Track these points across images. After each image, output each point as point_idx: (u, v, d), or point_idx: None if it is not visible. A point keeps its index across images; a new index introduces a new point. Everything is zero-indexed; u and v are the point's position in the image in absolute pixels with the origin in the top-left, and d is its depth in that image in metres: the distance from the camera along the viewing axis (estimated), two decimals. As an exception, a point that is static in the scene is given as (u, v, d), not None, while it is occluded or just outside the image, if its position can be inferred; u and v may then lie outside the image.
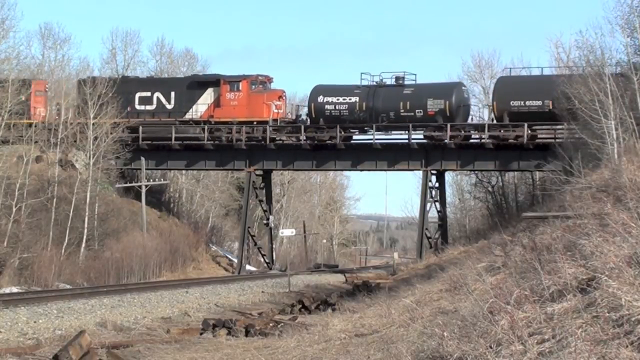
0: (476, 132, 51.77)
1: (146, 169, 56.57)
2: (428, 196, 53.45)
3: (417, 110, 50.56)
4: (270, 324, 26.15)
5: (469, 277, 18.62)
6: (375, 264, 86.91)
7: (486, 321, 11.82)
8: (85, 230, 47.58)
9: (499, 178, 60.19)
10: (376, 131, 51.97)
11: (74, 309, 27.09)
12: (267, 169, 57.23)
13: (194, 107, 54.39)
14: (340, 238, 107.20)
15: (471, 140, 52.22)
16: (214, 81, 54.53)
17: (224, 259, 62.16)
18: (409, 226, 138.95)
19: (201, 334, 24.21)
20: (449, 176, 62.98)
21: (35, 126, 49.08)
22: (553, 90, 41.73)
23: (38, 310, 26.13)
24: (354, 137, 53.44)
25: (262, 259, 60.61)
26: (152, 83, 57.81)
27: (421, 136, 51.87)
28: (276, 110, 53.36)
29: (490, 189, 61.36)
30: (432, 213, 55.47)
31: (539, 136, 49.87)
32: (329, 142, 52.20)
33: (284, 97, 55.19)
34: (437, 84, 53.06)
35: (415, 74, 53.11)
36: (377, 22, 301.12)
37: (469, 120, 52.59)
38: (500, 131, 49.81)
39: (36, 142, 48.22)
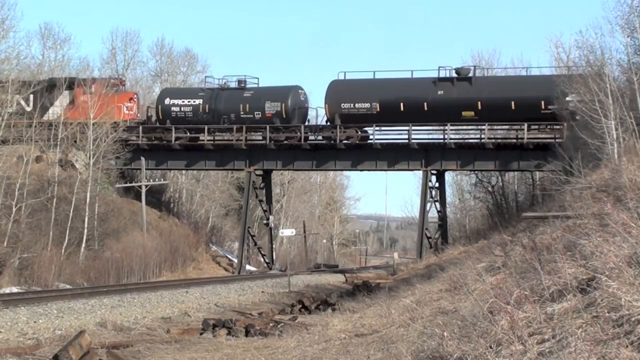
0: (312, 133, 53.86)
1: (146, 169, 56.60)
2: (428, 196, 53.47)
3: (255, 113, 53.40)
4: (270, 324, 26.16)
5: (469, 277, 18.62)
6: (375, 264, 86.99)
7: (486, 321, 11.82)
8: (85, 230, 47.58)
9: (499, 178, 60.21)
10: (217, 132, 54.90)
11: (74, 309, 27.09)
12: (267, 169, 57.27)
13: (51, 109, 54.34)
14: (340, 238, 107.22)
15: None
16: (69, 84, 55.14)
17: (224, 259, 62.16)
18: (409, 226, 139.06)
19: (201, 334, 24.21)
20: (449, 176, 63.08)
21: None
22: (382, 93, 49.49)
23: (38, 310, 26.12)
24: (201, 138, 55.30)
25: (262, 259, 60.61)
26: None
27: (259, 137, 54.77)
28: (127, 112, 55.10)
29: (490, 189, 61.37)
30: (432, 213, 55.51)
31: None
32: (172, 142, 54.25)
33: (135, 99, 56.78)
34: (275, 88, 55.28)
35: (258, 78, 56.64)
36: (378, 22, 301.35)
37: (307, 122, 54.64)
38: (331, 132, 52.23)
39: (36, 142, 48.25)
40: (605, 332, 10.05)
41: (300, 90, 54.83)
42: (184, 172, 67.42)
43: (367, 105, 51.15)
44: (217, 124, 54.09)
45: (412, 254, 72.68)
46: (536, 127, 49.80)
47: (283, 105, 52.90)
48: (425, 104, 50.27)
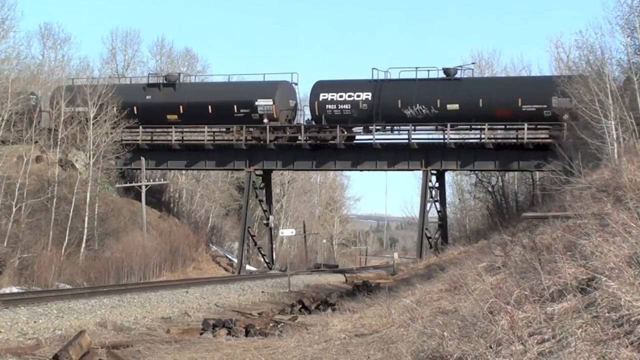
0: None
1: (146, 169, 56.61)
2: (428, 196, 53.50)
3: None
4: (270, 324, 26.15)
5: (469, 277, 18.61)
6: (375, 264, 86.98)
7: (486, 321, 11.82)
8: (85, 230, 47.58)
9: (499, 178, 60.21)
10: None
11: (74, 309, 27.07)
12: (267, 169, 57.29)
13: None
14: (340, 238, 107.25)
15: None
16: None
17: (224, 259, 62.17)
18: (409, 226, 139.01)
19: (201, 334, 24.20)
20: (449, 176, 63.11)
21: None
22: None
23: (38, 310, 26.11)
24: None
25: (262, 259, 60.63)
26: None
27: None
28: None
29: (490, 189, 61.36)
30: (432, 213, 55.56)
31: None
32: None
33: None
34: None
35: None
36: (377, 21, 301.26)
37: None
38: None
39: (36, 142, 48.26)
40: (605, 332, 10.04)
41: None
42: (184, 172, 67.44)
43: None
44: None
45: (412, 254, 72.69)
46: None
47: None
48: (135, 107, 54.30)
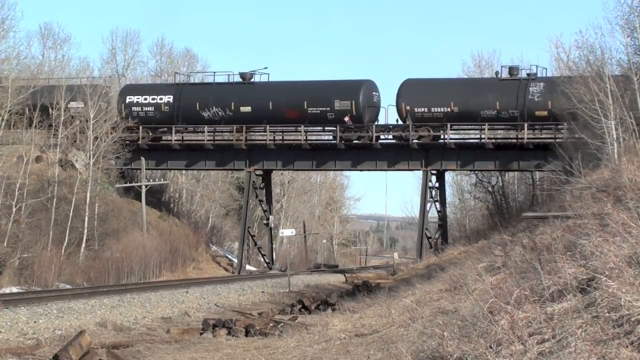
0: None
1: (146, 169, 56.59)
2: (428, 196, 53.50)
3: None
4: (270, 324, 26.14)
5: (469, 277, 18.61)
6: (375, 264, 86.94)
7: (486, 321, 11.81)
8: (85, 230, 47.58)
9: (499, 178, 60.21)
10: None
11: (74, 309, 27.07)
12: (267, 169, 57.29)
13: None
14: (340, 238, 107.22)
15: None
16: None
17: (224, 259, 62.16)
18: (409, 226, 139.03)
19: (201, 334, 24.20)
20: (449, 176, 63.10)
21: None
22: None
23: (38, 310, 26.11)
24: None
25: (262, 259, 60.62)
26: None
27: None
28: None
29: (490, 189, 61.36)
30: (432, 213, 55.55)
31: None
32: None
33: None
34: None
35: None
36: (377, 21, 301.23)
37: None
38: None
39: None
40: (605, 332, 10.04)
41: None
42: (184, 172, 67.43)
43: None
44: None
45: (412, 254, 72.66)
46: None
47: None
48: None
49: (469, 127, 53.65)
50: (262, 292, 38.73)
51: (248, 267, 57.55)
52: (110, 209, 51.89)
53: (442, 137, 51.73)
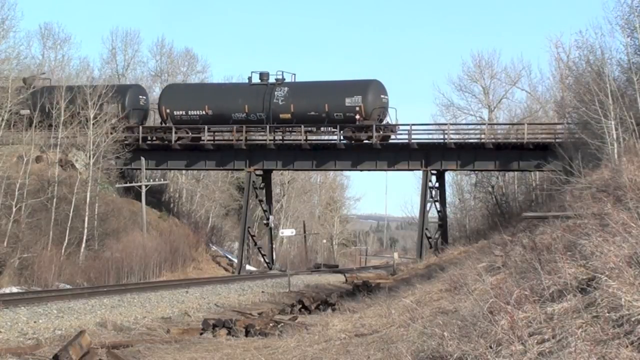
0: None
1: (146, 169, 56.60)
2: (428, 196, 53.51)
3: None
4: (270, 324, 26.14)
5: (469, 277, 18.62)
6: (375, 264, 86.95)
7: (486, 321, 11.81)
8: (85, 230, 47.57)
9: (499, 178, 60.20)
10: None
11: (74, 309, 27.07)
12: (267, 169, 57.29)
13: None
14: (340, 238, 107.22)
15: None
16: None
17: (224, 259, 62.15)
18: (409, 226, 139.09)
19: (201, 334, 24.21)
20: (449, 176, 63.12)
21: None
22: None
23: (38, 310, 26.11)
24: None
25: (262, 259, 60.62)
26: None
27: None
28: None
29: (490, 189, 61.36)
30: (432, 213, 55.55)
31: None
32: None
33: None
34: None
35: None
36: (376, 21, 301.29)
37: None
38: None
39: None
40: (605, 332, 10.04)
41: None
42: (184, 172, 67.43)
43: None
44: None
45: (412, 254, 72.68)
46: None
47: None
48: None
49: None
50: (262, 292, 38.74)
51: (248, 267, 57.55)
52: (110, 209, 51.88)
53: (201, 138, 54.87)
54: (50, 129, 50.38)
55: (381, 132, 52.33)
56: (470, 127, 58.22)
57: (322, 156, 54.58)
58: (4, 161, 43.26)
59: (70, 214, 46.62)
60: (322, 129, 54.53)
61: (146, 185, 56.05)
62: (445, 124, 52.67)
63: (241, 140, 54.11)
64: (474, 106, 65.66)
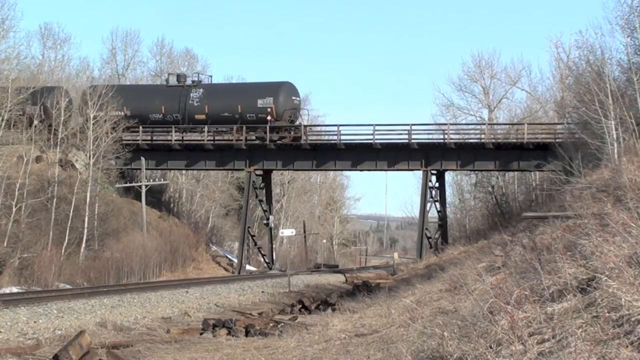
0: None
1: (146, 169, 56.61)
2: (428, 196, 53.52)
3: None
4: (270, 324, 26.14)
5: (469, 277, 18.61)
6: (375, 264, 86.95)
7: (486, 321, 11.81)
8: (85, 230, 47.57)
9: (499, 178, 60.20)
10: None
11: (74, 309, 27.07)
12: (267, 169, 57.30)
13: None
14: (340, 238, 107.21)
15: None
16: None
17: (224, 259, 62.16)
18: (409, 226, 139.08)
19: (201, 334, 24.21)
20: (449, 176, 63.16)
21: None
22: None
23: (38, 310, 26.11)
24: None
25: (262, 259, 60.63)
26: None
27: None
28: None
29: (490, 189, 61.36)
30: (432, 213, 55.56)
31: None
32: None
33: None
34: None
35: None
36: (376, 22, 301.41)
37: None
38: None
39: (36, 142, 48.29)
40: (605, 332, 10.04)
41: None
42: (184, 172, 67.44)
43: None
44: None
45: (412, 254, 72.69)
46: None
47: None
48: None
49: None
50: (262, 292, 38.74)
51: (248, 267, 57.55)
52: (110, 209, 51.89)
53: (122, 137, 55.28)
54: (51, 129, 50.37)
55: (292, 133, 53.85)
56: (470, 127, 58.29)
57: (322, 156, 54.59)
58: (4, 161, 43.25)
59: (70, 214, 46.62)
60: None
61: (146, 185, 56.06)
62: (445, 124, 52.71)
63: (241, 140, 54.14)
64: (474, 106, 65.77)
